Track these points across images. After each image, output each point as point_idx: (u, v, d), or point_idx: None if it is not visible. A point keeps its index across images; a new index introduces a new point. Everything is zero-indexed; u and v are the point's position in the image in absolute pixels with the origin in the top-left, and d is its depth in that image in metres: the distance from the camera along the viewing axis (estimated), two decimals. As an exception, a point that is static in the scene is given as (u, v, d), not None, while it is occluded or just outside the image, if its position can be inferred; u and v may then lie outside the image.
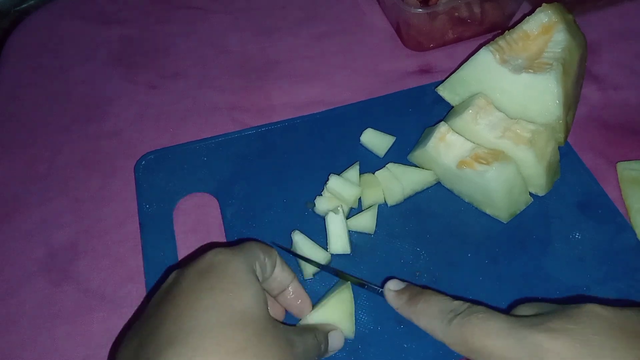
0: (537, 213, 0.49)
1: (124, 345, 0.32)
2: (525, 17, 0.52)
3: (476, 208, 0.49)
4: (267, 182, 0.52)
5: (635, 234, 0.48)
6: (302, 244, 0.46)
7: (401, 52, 0.65)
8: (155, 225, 0.50)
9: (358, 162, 0.52)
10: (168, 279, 0.35)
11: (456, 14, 0.60)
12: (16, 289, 0.48)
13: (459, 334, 0.33)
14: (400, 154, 0.53)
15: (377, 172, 0.50)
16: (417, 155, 0.51)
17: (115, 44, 0.68)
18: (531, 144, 0.46)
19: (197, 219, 0.51)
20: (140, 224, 0.50)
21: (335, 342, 0.39)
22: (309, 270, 0.45)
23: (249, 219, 0.50)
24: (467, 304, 0.34)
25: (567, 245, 0.47)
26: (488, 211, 0.49)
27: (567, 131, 0.50)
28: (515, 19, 0.66)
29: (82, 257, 0.49)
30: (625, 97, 0.59)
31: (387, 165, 0.51)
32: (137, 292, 0.47)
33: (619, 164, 0.52)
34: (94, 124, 0.59)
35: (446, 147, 0.49)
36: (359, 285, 0.42)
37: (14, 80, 0.65)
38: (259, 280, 0.35)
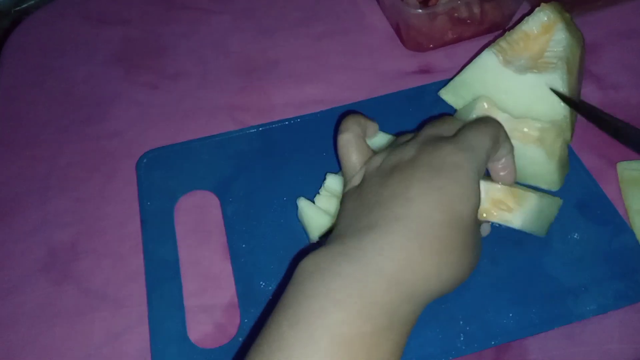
0: (537, 213, 0.49)
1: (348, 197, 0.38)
2: (524, 17, 0.52)
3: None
4: (267, 181, 0.52)
5: (634, 235, 0.48)
6: (308, 209, 0.48)
7: (401, 52, 0.65)
8: (156, 222, 0.50)
9: None
10: (404, 151, 0.37)
11: (456, 14, 0.60)
12: (16, 289, 0.48)
13: None
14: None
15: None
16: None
17: (115, 44, 0.68)
18: (540, 142, 0.46)
19: (198, 216, 0.51)
20: (141, 220, 0.50)
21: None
22: (315, 233, 0.47)
23: (250, 216, 0.50)
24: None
25: (565, 245, 0.47)
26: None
27: (573, 129, 0.50)
28: (514, 19, 0.66)
29: (82, 257, 0.49)
30: (625, 96, 0.59)
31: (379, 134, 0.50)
32: (138, 292, 0.47)
33: (619, 164, 0.53)
34: (94, 124, 0.60)
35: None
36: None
37: (14, 80, 0.65)
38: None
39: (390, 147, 0.40)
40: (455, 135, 0.38)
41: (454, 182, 0.34)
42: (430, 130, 0.39)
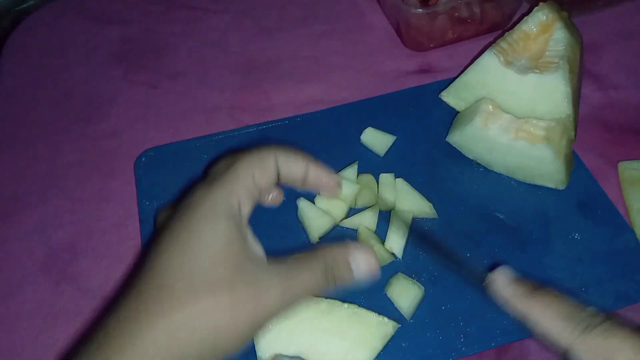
0: (537, 213, 0.49)
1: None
2: (524, 17, 0.52)
3: (476, 208, 0.49)
4: (266, 182, 0.52)
5: (634, 235, 0.48)
6: (308, 210, 0.47)
7: (401, 52, 0.65)
8: (155, 221, 0.50)
9: (357, 161, 0.52)
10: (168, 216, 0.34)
11: (456, 14, 0.60)
12: (16, 289, 0.48)
13: (600, 345, 0.30)
14: (401, 154, 0.53)
15: (382, 175, 0.50)
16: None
17: (115, 44, 0.68)
18: (547, 141, 0.46)
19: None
20: (140, 220, 0.50)
21: (362, 269, 0.34)
22: (314, 234, 0.46)
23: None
24: (603, 315, 0.31)
25: (566, 245, 0.47)
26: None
27: (576, 127, 0.50)
28: (514, 19, 0.66)
29: (82, 257, 0.49)
30: (625, 97, 0.59)
31: (397, 179, 0.50)
32: (137, 292, 0.47)
33: (620, 163, 0.52)
34: (94, 124, 0.60)
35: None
36: (444, 256, 0.42)
37: (14, 80, 0.65)
38: (237, 217, 0.32)
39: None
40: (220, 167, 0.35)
41: None
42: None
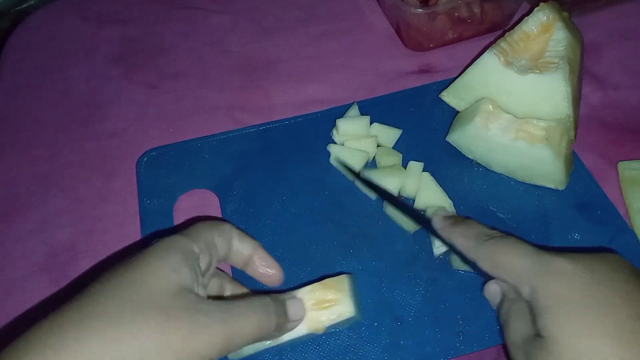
0: (536, 213, 0.49)
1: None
2: (524, 17, 0.52)
3: (476, 208, 0.50)
4: (267, 180, 0.52)
5: (634, 235, 0.48)
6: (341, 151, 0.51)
7: (401, 52, 0.65)
8: (155, 220, 0.50)
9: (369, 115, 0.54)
10: None
11: (456, 14, 0.60)
12: (16, 289, 0.48)
13: (490, 251, 0.38)
14: (409, 149, 0.53)
15: (410, 162, 0.51)
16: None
17: (115, 44, 0.68)
18: (547, 141, 0.46)
19: (197, 215, 0.51)
20: (140, 219, 0.50)
21: (293, 312, 0.37)
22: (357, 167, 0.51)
23: (249, 215, 0.50)
24: (503, 232, 0.39)
25: (566, 245, 0.47)
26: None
27: (576, 128, 0.50)
28: (514, 19, 0.66)
29: (82, 257, 0.49)
30: (625, 97, 0.59)
31: (423, 173, 0.50)
32: (137, 292, 0.47)
33: (620, 163, 0.52)
34: (94, 124, 0.60)
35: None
36: (390, 200, 0.47)
37: (14, 80, 0.65)
38: (194, 255, 0.33)
39: None
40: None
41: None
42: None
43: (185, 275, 0.32)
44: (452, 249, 0.41)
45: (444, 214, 0.43)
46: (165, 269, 0.31)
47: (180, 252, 0.33)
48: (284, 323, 0.36)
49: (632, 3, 0.67)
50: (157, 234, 0.49)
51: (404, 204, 0.47)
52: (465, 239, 0.40)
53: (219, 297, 0.39)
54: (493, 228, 0.40)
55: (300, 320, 0.38)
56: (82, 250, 0.50)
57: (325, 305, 0.39)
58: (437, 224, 0.43)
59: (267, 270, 0.39)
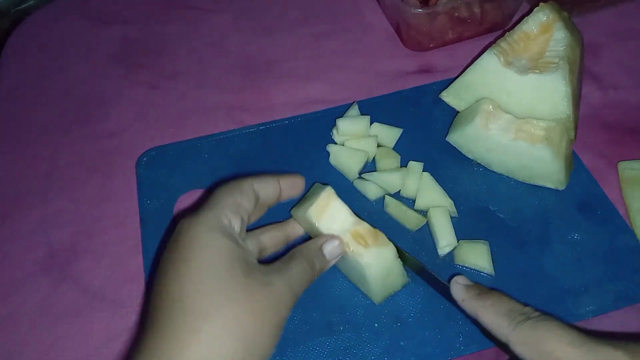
0: (537, 213, 0.49)
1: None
2: (524, 17, 0.52)
3: (476, 208, 0.49)
4: (266, 182, 0.52)
5: (634, 235, 0.48)
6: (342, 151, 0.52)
7: (401, 52, 0.65)
8: (155, 221, 0.50)
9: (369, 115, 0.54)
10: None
11: (456, 14, 0.60)
12: (16, 289, 0.48)
13: (530, 335, 0.34)
14: (401, 153, 0.53)
15: (410, 162, 0.51)
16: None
17: (115, 43, 0.68)
18: (547, 142, 0.46)
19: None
20: (140, 219, 0.50)
21: (332, 252, 0.40)
22: (354, 170, 0.51)
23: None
24: (540, 312, 0.36)
25: (565, 245, 0.47)
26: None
27: (576, 128, 0.50)
28: (514, 19, 0.66)
29: (82, 257, 0.49)
30: (625, 97, 0.59)
31: (423, 173, 0.50)
32: (137, 292, 0.47)
33: (620, 163, 0.52)
34: (94, 124, 0.60)
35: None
36: (415, 269, 0.44)
37: (14, 80, 0.65)
38: (231, 230, 0.35)
39: None
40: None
41: None
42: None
43: (237, 251, 0.34)
44: (475, 323, 0.38)
45: (464, 282, 0.40)
46: (214, 255, 0.33)
47: (216, 230, 0.34)
48: (325, 264, 0.39)
49: (632, 3, 0.67)
50: (176, 218, 0.49)
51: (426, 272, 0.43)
52: (496, 316, 0.36)
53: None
54: (526, 304, 0.37)
55: (339, 257, 0.41)
56: (82, 250, 0.50)
57: (359, 241, 0.41)
58: (458, 294, 0.39)
59: (296, 186, 0.42)
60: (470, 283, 0.40)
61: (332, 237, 0.40)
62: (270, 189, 0.40)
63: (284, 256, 0.38)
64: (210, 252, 0.33)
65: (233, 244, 0.34)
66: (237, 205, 0.36)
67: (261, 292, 0.33)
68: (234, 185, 0.38)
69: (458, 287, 0.40)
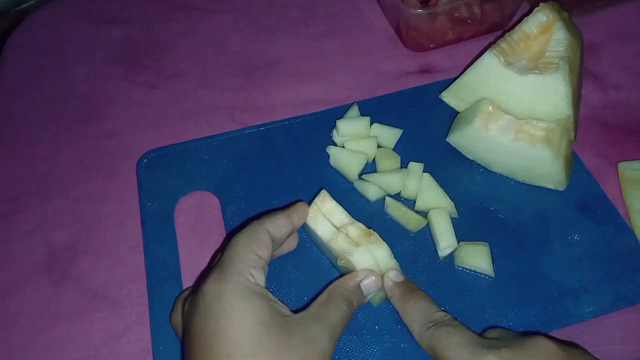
0: (536, 214, 0.49)
1: None
2: (524, 17, 0.52)
3: (476, 209, 0.49)
4: (267, 180, 0.52)
5: (634, 235, 0.48)
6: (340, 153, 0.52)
7: (401, 52, 0.65)
8: (156, 222, 0.50)
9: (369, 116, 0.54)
10: (185, 313, 0.37)
11: (456, 14, 0.60)
12: (16, 289, 0.48)
13: (429, 341, 0.37)
14: (401, 153, 0.53)
15: (411, 163, 0.51)
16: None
17: (115, 44, 0.68)
18: (547, 142, 0.46)
19: (198, 216, 0.51)
20: (141, 221, 0.50)
21: (370, 289, 0.40)
22: (355, 172, 0.50)
23: (250, 216, 0.50)
24: (447, 318, 0.38)
25: (565, 246, 0.47)
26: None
27: (576, 128, 0.50)
28: (514, 19, 0.65)
29: (82, 257, 0.49)
30: (625, 97, 0.59)
31: (424, 173, 0.50)
32: (137, 292, 0.47)
33: (620, 163, 0.52)
34: (94, 124, 0.60)
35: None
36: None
37: (14, 80, 0.65)
38: (258, 289, 0.35)
39: None
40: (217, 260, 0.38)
41: None
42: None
43: (269, 309, 0.35)
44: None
45: (395, 278, 0.41)
46: (252, 321, 0.33)
47: (247, 293, 0.35)
48: (362, 301, 0.41)
49: (632, 3, 0.67)
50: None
51: None
52: (411, 319, 0.39)
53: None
54: (442, 310, 0.39)
55: (375, 292, 0.41)
56: (82, 250, 0.50)
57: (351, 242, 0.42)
58: (388, 290, 0.41)
59: (304, 214, 0.43)
60: (400, 279, 0.41)
61: (369, 272, 0.41)
62: (283, 229, 0.40)
63: (320, 297, 0.38)
64: (249, 318, 0.33)
65: (266, 305, 0.34)
66: (257, 259, 0.37)
67: (304, 349, 0.33)
68: (250, 236, 0.38)
69: (388, 283, 0.41)
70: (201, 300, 0.35)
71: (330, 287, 0.39)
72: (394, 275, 0.41)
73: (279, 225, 0.40)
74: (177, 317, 0.39)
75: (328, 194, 0.44)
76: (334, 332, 0.36)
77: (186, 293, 0.40)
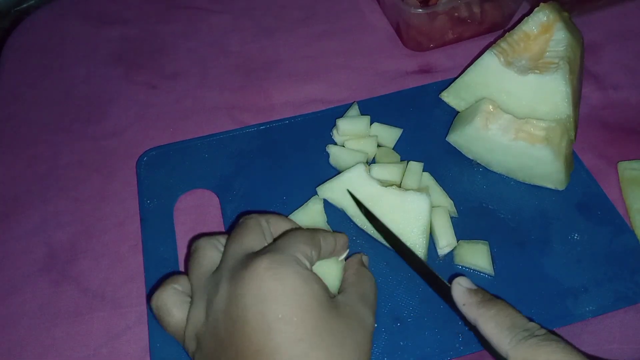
0: (536, 214, 0.49)
1: None
2: (524, 17, 0.52)
3: (476, 208, 0.50)
4: (267, 179, 0.52)
5: (634, 235, 0.48)
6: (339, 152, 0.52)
7: (401, 52, 0.65)
8: (156, 220, 0.50)
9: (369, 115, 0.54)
10: (217, 301, 0.34)
11: (456, 14, 0.60)
12: (16, 289, 0.48)
13: (531, 354, 0.33)
14: (401, 153, 0.53)
15: (410, 162, 0.51)
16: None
17: (115, 44, 0.68)
18: (547, 142, 0.46)
19: (198, 215, 0.51)
20: (141, 219, 0.50)
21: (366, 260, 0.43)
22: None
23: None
24: (545, 330, 0.34)
25: (565, 246, 0.47)
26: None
27: (576, 128, 0.50)
28: (514, 19, 0.66)
29: (82, 257, 0.49)
30: (625, 97, 0.59)
31: (423, 173, 0.50)
32: (137, 292, 0.47)
33: (620, 163, 0.52)
34: (94, 124, 0.60)
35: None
36: (415, 265, 0.43)
37: (14, 80, 0.65)
38: (307, 268, 0.36)
39: (206, 288, 0.36)
40: (267, 246, 0.38)
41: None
42: (234, 249, 0.37)
43: (317, 286, 0.35)
44: (472, 329, 0.37)
45: (467, 285, 0.38)
46: (310, 303, 0.33)
47: (300, 268, 0.35)
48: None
49: (632, 3, 0.67)
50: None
51: (413, 258, 0.43)
52: (499, 328, 0.35)
53: None
54: (530, 320, 0.35)
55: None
56: (82, 250, 0.50)
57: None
58: (460, 297, 0.38)
59: (345, 246, 0.44)
60: (473, 286, 0.38)
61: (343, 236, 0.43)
62: (330, 247, 0.40)
63: (348, 278, 0.40)
64: (312, 303, 0.33)
65: (317, 281, 0.35)
66: (308, 255, 0.37)
67: (357, 331, 0.35)
68: (307, 235, 0.38)
69: (460, 290, 0.38)
70: (249, 273, 0.33)
71: (352, 265, 0.41)
72: (465, 281, 0.38)
73: (328, 242, 0.40)
74: (167, 299, 0.37)
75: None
76: (374, 308, 0.38)
77: (181, 277, 0.38)
